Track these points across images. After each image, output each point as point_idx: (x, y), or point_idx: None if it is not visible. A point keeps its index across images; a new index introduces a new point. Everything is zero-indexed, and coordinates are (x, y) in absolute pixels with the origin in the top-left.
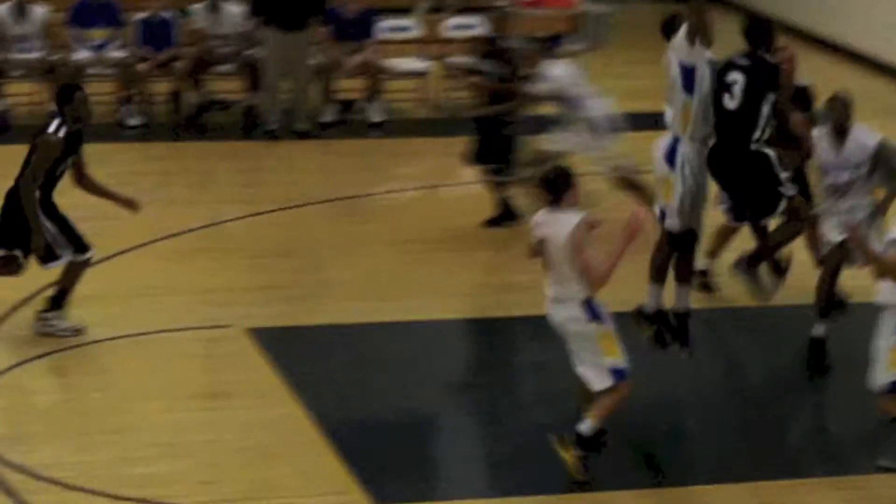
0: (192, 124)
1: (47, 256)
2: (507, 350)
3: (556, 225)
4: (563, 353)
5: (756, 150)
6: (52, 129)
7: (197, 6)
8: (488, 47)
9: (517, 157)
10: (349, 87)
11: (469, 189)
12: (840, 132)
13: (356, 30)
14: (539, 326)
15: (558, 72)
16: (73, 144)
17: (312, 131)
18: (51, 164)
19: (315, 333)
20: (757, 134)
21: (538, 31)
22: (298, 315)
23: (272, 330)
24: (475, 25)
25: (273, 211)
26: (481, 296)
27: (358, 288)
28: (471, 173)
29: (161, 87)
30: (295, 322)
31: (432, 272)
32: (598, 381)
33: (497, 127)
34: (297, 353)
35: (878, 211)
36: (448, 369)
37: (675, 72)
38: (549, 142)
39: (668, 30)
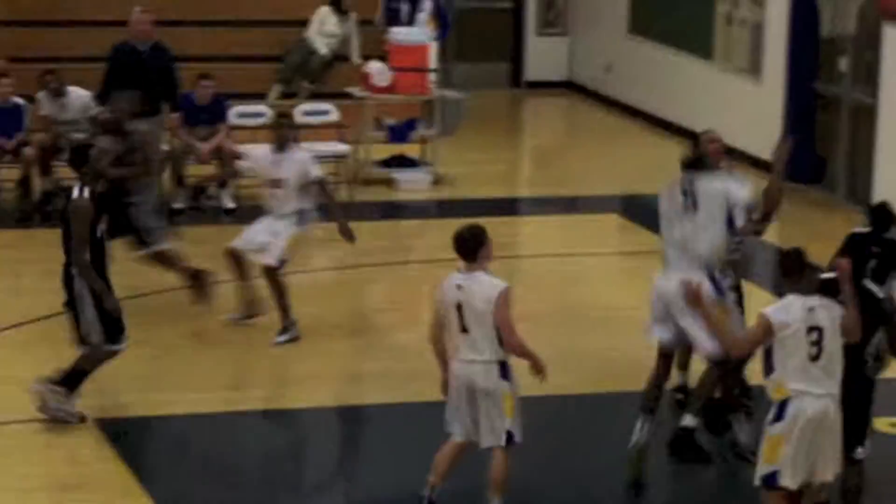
0: (40, 211)
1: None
2: (358, 438)
3: (475, 287)
4: (414, 441)
5: None
6: (75, 194)
7: (41, 93)
8: (112, 126)
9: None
10: (201, 173)
11: (322, 276)
12: None
13: (208, 115)
14: (394, 413)
15: (258, 153)
16: (103, 203)
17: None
18: (88, 227)
19: (164, 424)
20: None
21: (391, 117)
22: (148, 405)
23: (121, 421)
24: (327, 111)
25: (123, 299)
26: (335, 384)
27: (209, 377)
28: None
29: (11, 174)
30: (145, 412)
31: (284, 360)
32: (492, 438)
33: (120, 203)
34: (146, 443)
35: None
36: (300, 458)
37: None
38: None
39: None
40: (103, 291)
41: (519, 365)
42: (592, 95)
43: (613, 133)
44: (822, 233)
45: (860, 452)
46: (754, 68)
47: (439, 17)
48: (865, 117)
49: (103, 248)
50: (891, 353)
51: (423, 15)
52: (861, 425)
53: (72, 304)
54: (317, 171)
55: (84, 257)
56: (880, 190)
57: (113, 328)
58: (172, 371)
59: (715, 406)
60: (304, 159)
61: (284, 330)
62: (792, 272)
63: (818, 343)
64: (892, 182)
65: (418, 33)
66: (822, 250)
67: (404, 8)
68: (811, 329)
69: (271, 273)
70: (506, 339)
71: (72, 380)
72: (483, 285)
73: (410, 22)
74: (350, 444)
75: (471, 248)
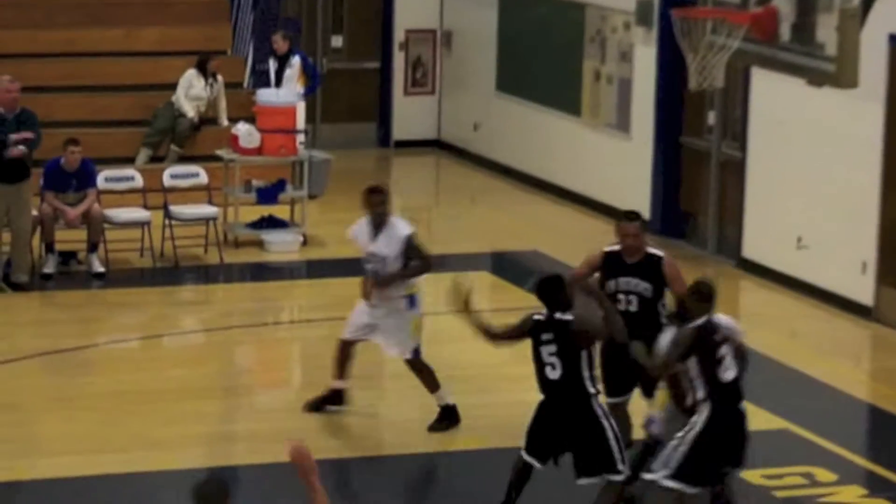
0: None
1: None
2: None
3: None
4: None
5: None
6: None
7: None
8: None
9: None
10: (70, 237)
11: (191, 338)
12: None
13: (76, 180)
14: (263, 474)
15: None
16: None
17: (32, 283)
18: None
19: (31, 489)
20: None
21: (260, 179)
22: (14, 470)
23: None
24: (196, 174)
25: None
26: (204, 445)
27: (76, 441)
28: None
29: None
30: (11, 477)
31: (152, 423)
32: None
33: None
34: None
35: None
36: None
37: None
38: None
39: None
40: None
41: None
42: (461, 154)
43: (483, 191)
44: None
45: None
46: (622, 124)
47: (307, 71)
48: (734, 171)
49: None
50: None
51: (292, 71)
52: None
53: None
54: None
55: None
56: (749, 243)
57: None
58: (36, 435)
59: None
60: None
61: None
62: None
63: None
64: (760, 236)
65: (285, 94)
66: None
67: (272, 66)
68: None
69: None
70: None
71: None
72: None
73: (279, 80)
74: None
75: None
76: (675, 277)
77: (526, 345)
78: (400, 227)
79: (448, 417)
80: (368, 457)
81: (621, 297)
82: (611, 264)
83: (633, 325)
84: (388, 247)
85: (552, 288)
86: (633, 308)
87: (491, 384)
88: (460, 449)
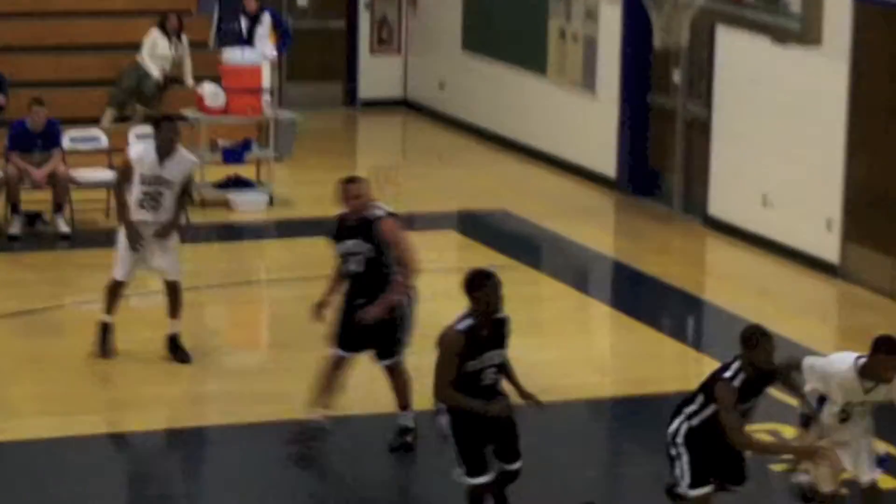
0: None
1: None
2: (200, 461)
3: None
4: (255, 462)
5: None
6: None
7: None
8: None
9: None
10: (36, 198)
11: (161, 299)
12: None
13: (42, 141)
14: (234, 435)
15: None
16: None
17: None
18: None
19: (1, 450)
20: None
21: (226, 139)
22: None
23: None
24: None
25: None
26: (174, 406)
27: (46, 402)
28: None
29: None
30: None
31: (123, 384)
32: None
33: None
34: None
35: None
36: (140, 481)
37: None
38: None
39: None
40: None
41: None
42: (428, 113)
43: (449, 150)
44: (658, 245)
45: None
46: (588, 82)
47: (279, 28)
48: (700, 129)
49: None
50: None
51: (263, 29)
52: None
53: None
54: None
55: None
56: (715, 201)
57: None
58: (7, 396)
59: None
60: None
61: None
62: None
63: None
64: (726, 194)
65: (251, 54)
66: (657, 262)
67: (244, 24)
68: None
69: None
70: None
71: None
72: None
73: (250, 38)
74: (191, 467)
75: None
76: (393, 241)
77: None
78: (188, 155)
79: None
80: (342, 416)
81: (350, 258)
82: (338, 229)
83: (359, 285)
84: (173, 173)
85: None
86: (359, 269)
87: None
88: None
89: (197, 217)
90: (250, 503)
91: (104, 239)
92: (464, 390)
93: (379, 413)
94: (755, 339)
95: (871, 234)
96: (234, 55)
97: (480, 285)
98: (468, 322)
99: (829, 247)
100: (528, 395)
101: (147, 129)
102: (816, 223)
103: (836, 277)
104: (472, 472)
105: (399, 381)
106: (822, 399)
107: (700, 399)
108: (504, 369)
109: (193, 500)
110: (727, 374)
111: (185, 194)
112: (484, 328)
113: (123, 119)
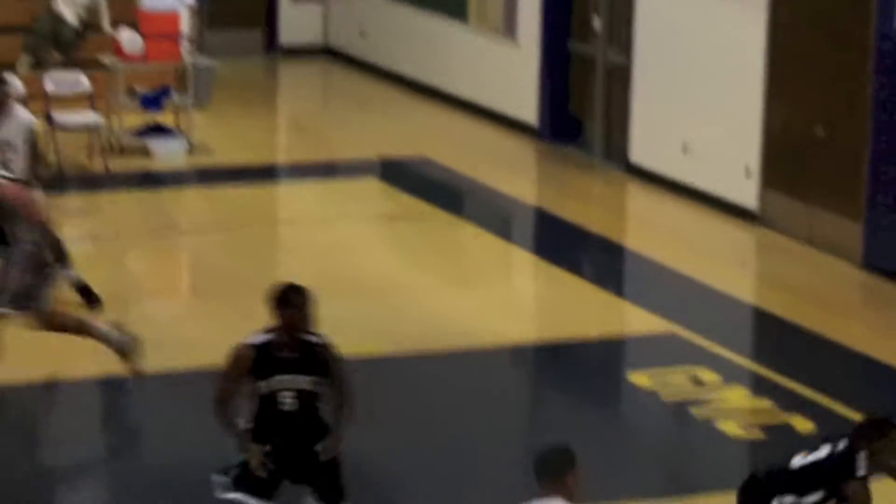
0: None
1: None
2: (121, 409)
3: None
4: (168, 411)
5: None
6: None
7: None
8: None
9: None
10: None
11: (77, 246)
12: None
13: None
14: (153, 383)
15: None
16: None
17: None
18: None
19: None
20: None
21: (144, 86)
22: None
23: None
24: (79, 81)
25: None
26: (94, 354)
27: None
28: None
29: None
30: None
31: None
32: None
33: None
34: None
35: None
36: (62, 431)
37: None
38: None
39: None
40: None
41: None
42: (349, 61)
43: (371, 98)
44: (579, 193)
45: None
46: (509, 29)
47: None
48: (620, 77)
49: None
50: None
51: None
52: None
53: None
54: None
55: None
56: (636, 149)
57: None
58: None
59: None
60: None
61: None
62: None
63: None
64: (647, 141)
65: (169, 0)
66: (579, 210)
67: None
68: None
69: None
70: None
71: None
72: None
73: None
74: (111, 415)
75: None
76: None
77: (419, 253)
78: (23, 113)
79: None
80: None
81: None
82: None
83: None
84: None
85: None
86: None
87: (385, 291)
88: (357, 355)
89: (116, 165)
90: (170, 451)
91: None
92: (262, 413)
93: None
94: (886, 430)
95: (789, 182)
96: (152, 1)
97: (286, 302)
98: (265, 337)
99: (748, 194)
100: (332, 442)
101: (64, 75)
102: (736, 171)
103: (754, 224)
104: (243, 487)
105: None
106: None
107: (821, 493)
108: (317, 398)
109: (114, 450)
110: (861, 473)
111: (36, 159)
112: (284, 349)
113: (40, 65)
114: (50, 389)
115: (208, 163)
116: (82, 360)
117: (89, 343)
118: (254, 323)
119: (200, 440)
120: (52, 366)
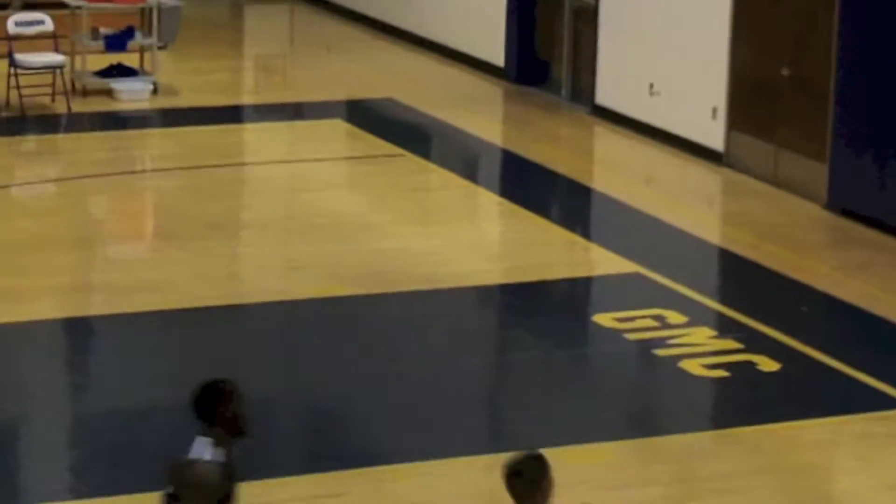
0: None
1: None
2: (85, 351)
3: None
4: (141, 351)
5: None
6: None
7: None
8: None
9: None
10: None
11: (41, 189)
12: None
13: None
14: (118, 325)
15: None
16: None
17: None
18: None
19: None
20: None
21: (108, 27)
22: None
23: None
24: (42, 21)
25: None
26: (57, 296)
27: None
28: None
29: None
30: None
31: (2, 274)
32: None
33: None
34: None
35: None
36: (25, 372)
37: None
38: None
39: None
40: None
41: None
42: (316, 2)
43: (337, 39)
44: (546, 134)
45: None
46: None
47: None
48: (587, 18)
49: None
50: None
51: None
52: None
53: None
54: None
55: None
56: (603, 90)
57: None
58: None
59: None
60: None
61: None
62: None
63: None
64: (613, 83)
65: None
66: (545, 151)
67: None
68: None
69: None
70: None
71: None
72: None
73: None
74: (76, 357)
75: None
76: None
77: (385, 194)
78: None
79: None
80: (228, 305)
81: None
82: None
83: None
84: None
85: None
86: None
87: (352, 232)
88: (325, 296)
89: (79, 106)
90: (136, 393)
91: None
92: None
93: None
94: None
95: (754, 123)
96: None
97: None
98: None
99: (714, 135)
100: None
101: (27, 16)
102: (702, 112)
103: (720, 165)
104: None
105: None
106: None
107: None
108: None
109: (79, 389)
110: None
111: None
112: None
113: (3, 6)
114: (11, 331)
115: (173, 104)
116: (45, 301)
117: (51, 284)
118: (219, 263)
119: (163, 382)
120: (13, 308)
